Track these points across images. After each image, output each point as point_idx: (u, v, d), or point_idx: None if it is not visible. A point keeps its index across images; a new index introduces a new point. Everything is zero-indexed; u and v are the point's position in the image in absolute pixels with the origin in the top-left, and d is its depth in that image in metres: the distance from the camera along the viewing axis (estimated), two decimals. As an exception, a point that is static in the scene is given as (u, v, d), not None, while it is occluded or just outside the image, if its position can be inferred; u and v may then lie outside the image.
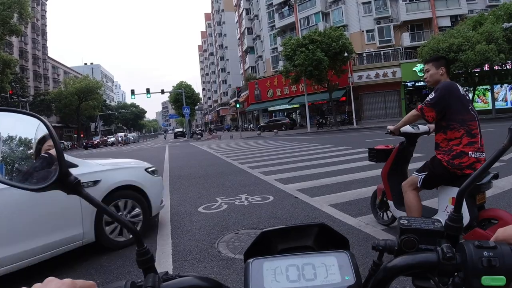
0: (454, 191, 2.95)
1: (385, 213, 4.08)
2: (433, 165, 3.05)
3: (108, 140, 51.28)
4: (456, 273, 0.56)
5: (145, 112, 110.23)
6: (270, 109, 45.61)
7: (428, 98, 3.02)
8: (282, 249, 0.74)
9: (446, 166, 2.93)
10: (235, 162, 11.76)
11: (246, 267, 0.63)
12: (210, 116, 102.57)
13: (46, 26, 66.67)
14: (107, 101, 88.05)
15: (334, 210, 4.92)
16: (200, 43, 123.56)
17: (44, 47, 64.37)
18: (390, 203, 3.69)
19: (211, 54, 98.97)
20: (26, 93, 45.86)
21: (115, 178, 4.19)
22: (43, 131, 0.67)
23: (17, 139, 0.70)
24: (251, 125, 53.90)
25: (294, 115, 44.26)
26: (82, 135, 61.67)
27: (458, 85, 3.04)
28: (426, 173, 3.08)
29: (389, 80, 33.87)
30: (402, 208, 3.43)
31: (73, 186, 0.61)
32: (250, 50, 58.32)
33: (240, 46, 65.66)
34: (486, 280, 0.51)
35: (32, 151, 0.68)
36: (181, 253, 3.81)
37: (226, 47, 77.42)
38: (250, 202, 5.82)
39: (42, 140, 0.68)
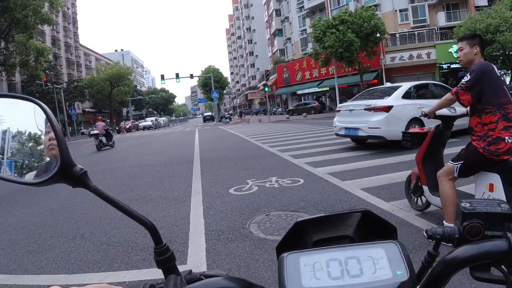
0: (491, 177, 2.87)
1: (419, 198, 3.98)
2: (468, 153, 2.94)
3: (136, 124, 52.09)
4: None
5: (175, 96, 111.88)
6: (299, 92, 45.14)
7: (463, 80, 2.89)
8: (317, 240, 0.66)
9: (482, 153, 2.82)
10: (265, 145, 11.79)
11: (280, 263, 0.56)
12: (238, 100, 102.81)
13: (76, 14, 68.51)
14: (138, 87, 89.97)
15: (366, 194, 4.86)
16: (228, 27, 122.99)
17: (76, 34, 66.26)
18: (425, 188, 3.60)
19: (239, 37, 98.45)
20: (60, 80, 47.56)
21: None
22: (41, 117, 0.59)
23: (13, 128, 0.61)
24: (280, 109, 53.63)
25: (323, 99, 43.62)
26: (114, 120, 63.58)
27: (493, 66, 2.91)
28: (462, 161, 2.97)
29: (424, 62, 32.58)
30: (437, 194, 3.33)
31: (79, 178, 0.55)
32: (279, 32, 57.50)
33: (268, 29, 64.87)
34: None
35: (32, 143, 0.61)
36: (213, 233, 3.91)
37: (254, 30, 76.70)
38: (280, 184, 5.84)
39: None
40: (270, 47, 64.57)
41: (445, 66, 32.31)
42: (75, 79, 55.93)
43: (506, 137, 2.73)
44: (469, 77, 2.84)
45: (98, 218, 4.85)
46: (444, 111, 3.34)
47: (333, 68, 32.00)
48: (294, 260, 0.55)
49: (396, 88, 8.46)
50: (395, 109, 7.85)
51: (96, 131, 17.69)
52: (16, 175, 0.60)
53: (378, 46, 30.10)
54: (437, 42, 32.45)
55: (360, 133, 8.27)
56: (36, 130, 0.61)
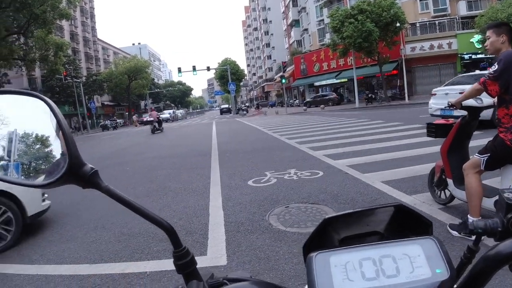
0: None
1: (443, 191, 3.86)
2: (495, 145, 2.84)
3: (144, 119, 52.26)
4: None
5: (192, 89, 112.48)
6: (317, 84, 44.62)
7: (490, 70, 2.79)
8: (345, 238, 0.61)
9: (509, 146, 2.74)
10: (282, 138, 11.72)
11: (308, 263, 0.51)
12: (255, 92, 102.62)
13: (93, 9, 69.36)
14: (155, 80, 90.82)
15: (387, 187, 4.76)
16: (244, 18, 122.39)
17: (93, 29, 67.21)
18: (450, 181, 3.49)
19: (255, 29, 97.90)
20: (79, 74, 48.38)
21: None
22: (47, 112, 0.55)
23: (20, 129, 0.58)
24: (297, 101, 53.25)
25: (341, 90, 42.99)
26: (133, 113, 64.50)
27: None
28: (489, 154, 2.87)
29: (444, 52, 31.67)
30: (461, 187, 3.23)
31: (89, 179, 0.51)
32: (295, 23, 56.83)
33: (284, 20, 64.21)
34: None
35: (39, 144, 0.57)
36: (233, 224, 3.90)
37: (270, 21, 76.06)
38: (299, 177, 5.78)
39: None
40: (287, 38, 63.93)
41: (466, 57, 31.32)
42: (93, 73, 56.83)
43: None
44: (496, 66, 2.74)
45: (118, 209, 4.89)
46: (471, 102, 3.23)
47: (351, 59, 31.41)
48: (324, 260, 0.51)
49: None
50: None
51: (151, 119, 23.54)
52: (23, 177, 0.57)
53: (398, 36, 29.36)
54: (458, 32, 31.47)
55: (455, 113, 8.42)
56: (43, 128, 0.57)
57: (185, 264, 0.54)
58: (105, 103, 63.89)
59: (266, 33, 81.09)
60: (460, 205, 3.70)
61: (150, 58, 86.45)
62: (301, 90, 52.00)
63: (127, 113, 65.76)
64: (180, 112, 57.86)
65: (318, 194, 4.70)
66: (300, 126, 16.31)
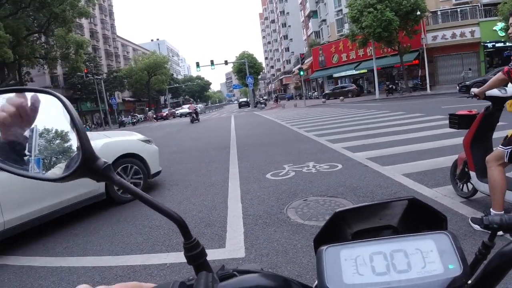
0: None
1: (465, 184, 3.76)
2: None
3: (176, 112, 53.33)
4: None
5: (210, 83, 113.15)
6: (336, 75, 44.02)
7: None
8: (357, 232, 0.60)
9: None
10: (301, 130, 11.66)
11: (318, 257, 0.51)
12: (273, 85, 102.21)
13: (112, 6, 70.39)
14: (174, 75, 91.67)
15: (407, 180, 4.67)
16: (261, 11, 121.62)
17: (112, 26, 68.30)
18: (472, 174, 3.38)
19: (273, 21, 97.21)
20: (99, 71, 49.39)
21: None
22: (60, 109, 0.56)
23: (40, 125, 0.59)
24: (316, 93, 52.74)
25: (361, 81, 42.27)
26: (153, 107, 65.43)
27: None
28: None
29: (467, 41, 30.60)
30: (485, 180, 3.11)
31: (102, 172, 0.52)
32: (313, 14, 56.09)
33: (302, 11, 63.46)
34: None
35: (59, 140, 0.57)
36: (251, 217, 3.92)
37: (287, 13, 75.34)
38: (318, 170, 5.75)
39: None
40: (304, 29, 63.22)
41: (489, 45, 30.18)
42: (114, 70, 57.86)
43: None
44: None
45: (140, 202, 5.01)
46: (495, 92, 3.11)
47: (371, 49, 30.79)
48: (335, 253, 0.50)
49: None
50: None
51: (190, 111, 31.45)
52: (43, 172, 0.58)
53: (419, 25, 28.50)
54: (481, 19, 30.31)
55: None
56: (59, 124, 0.58)
57: (195, 255, 0.54)
58: (126, 99, 65.04)
59: (284, 25, 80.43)
60: (483, 199, 3.60)
61: (168, 54, 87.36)
62: (320, 82, 51.43)
63: (147, 108, 66.77)
64: (199, 106, 58.20)
65: (337, 187, 4.66)
66: (318, 118, 16.18)
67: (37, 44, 32.20)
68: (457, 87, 22.06)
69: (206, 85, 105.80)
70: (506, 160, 2.81)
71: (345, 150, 7.09)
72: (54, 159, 0.59)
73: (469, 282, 0.48)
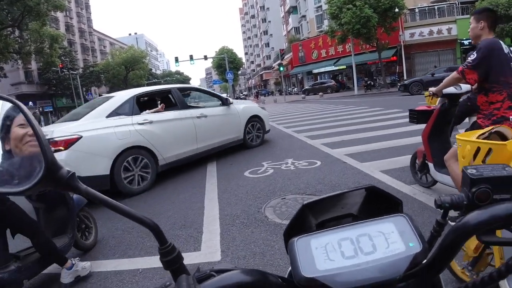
0: None
1: (425, 175, 3.98)
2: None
3: None
4: None
5: (190, 79, 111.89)
6: (315, 71, 44.27)
7: (469, 59, 2.81)
8: (321, 222, 0.64)
9: None
10: (280, 127, 11.61)
11: (290, 248, 0.54)
12: (253, 80, 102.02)
13: (88, -1, 68.47)
14: (153, 70, 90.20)
15: (386, 176, 4.66)
16: (241, 6, 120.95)
17: (89, 20, 66.41)
18: (431, 165, 3.56)
19: (253, 16, 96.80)
20: (75, 66, 47.95)
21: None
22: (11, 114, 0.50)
23: None
24: (295, 89, 52.92)
25: (340, 77, 42.68)
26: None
27: (501, 43, 2.82)
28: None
29: (444, 38, 31.32)
30: (442, 171, 3.32)
31: (67, 181, 0.49)
32: (293, 10, 56.14)
33: (282, 6, 63.42)
34: None
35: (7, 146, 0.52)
36: (228, 217, 3.82)
37: (267, 8, 75.10)
38: (296, 167, 5.69)
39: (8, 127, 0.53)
40: (284, 25, 63.25)
41: (466, 42, 30.86)
42: (90, 65, 56.35)
43: (511, 117, 2.67)
44: (475, 55, 2.76)
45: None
46: (451, 89, 3.28)
47: (350, 46, 31.08)
48: (305, 243, 0.54)
49: None
50: None
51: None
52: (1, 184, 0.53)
53: (397, 22, 28.96)
54: (458, 17, 31.03)
55: None
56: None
57: (171, 260, 0.54)
58: (103, 94, 63.48)
59: (264, 20, 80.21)
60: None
61: (147, 48, 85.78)
62: (300, 77, 51.62)
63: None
64: None
65: (316, 185, 4.61)
66: (298, 114, 16.19)
67: (11, 38, 30.93)
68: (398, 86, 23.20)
69: (185, 80, 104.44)
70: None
71: (324, 147, 7.06)
72: (13, 170, 0.55)
73: (428, 257, 0.52)
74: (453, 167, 2.94)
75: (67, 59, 44.20)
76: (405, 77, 28.89)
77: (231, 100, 7.42)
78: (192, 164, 7.02)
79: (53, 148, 3.63)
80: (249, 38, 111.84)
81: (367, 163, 5.40)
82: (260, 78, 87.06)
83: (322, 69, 42.44)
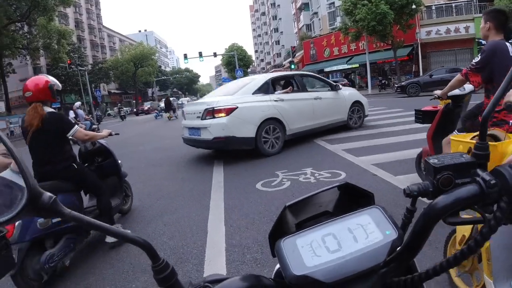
0: None
1: None
2: (472, 126, 2.93)
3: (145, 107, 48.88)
4: (500, 198, 0.53)
5: (199, 76, 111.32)
6: (327, 69, 43.05)
7: (473, 61, 2.89)
8: (300, 222, 0.66)
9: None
10: (293, 128, 10.72)
11: (278, 250, 0.55)
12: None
13: (98, -5, 68.16)
14: (162, 67, 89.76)
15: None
16: (251, 3, 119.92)
17: (99, 16, 66.05)
18: None
19: (263, 14, 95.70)
20: (84, 62, 47.45)
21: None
22: None
23: None
24: (306, 88, 51.83)
25: (352, 76, 41.51)
26: (140, 100, 63.67)
27: (508, 45, 2.81)
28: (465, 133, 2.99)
29: (461, 37, 29.97)
30: None
31: (50, 207, 0.46)
32: (305, 7, 54.97)
33: (293, 3, 62.25)
34: None
35: None
36: (236, 250, 3.01)
37: (278, 5, 74.00)
38: (317, 179, 4.85)
39: None
40: (295, 22, 62.08)
41: (484, 42, 29.60)
42: (99, 61, 55.97)
43: (511, 121, 2.65)
44: (479, 57, 2.82)
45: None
46: (456, 92, 3.38)
47: (363, 44, 29.96)
48: (291, 243, 0.56)
49: None
50: None
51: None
52: None
53: (414, 19, 27.75)
54: (476, 15, 29.64)
55: None
56: None
57: (166, 277, 0.54)
58: (112, 91, 63.21)
59: (274, 17, 79.13)
60: None
61: (156, 45, 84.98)
62: (311, 76, 50.52)
63: (134, 101, 65.00)
64: (182, 100, 52.87)
65: (344, 205, 3.77)
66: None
67: (20, 34, 30.58)
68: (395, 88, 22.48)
69: (194, 77, 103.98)
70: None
71: (347, 154, 6.18)
72: None
73: (403, 242, 0.56)
74: (447, 151, 2.96)
75: (75, 55, 43.77)
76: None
77: (340, 86, 8.67)
78: (196, 169, 6.26)
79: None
80: (259, 35, 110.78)
81: (402, 177, 4.54)
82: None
83: (334, 68, 41.22)
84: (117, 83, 60.29)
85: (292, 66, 35.58)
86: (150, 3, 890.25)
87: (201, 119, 6.61)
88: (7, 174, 0.47)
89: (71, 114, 16.60)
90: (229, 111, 6.41)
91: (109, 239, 3.33)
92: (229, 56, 51.50)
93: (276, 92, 7.42)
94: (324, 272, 0.51)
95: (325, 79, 9.35)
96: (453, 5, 31.90)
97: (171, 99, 29.02)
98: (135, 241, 0.53)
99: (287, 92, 7.53)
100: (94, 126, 4.61)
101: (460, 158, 0.59)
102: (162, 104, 29.27)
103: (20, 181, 0.44)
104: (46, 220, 2.68)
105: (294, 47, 43.25)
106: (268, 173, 5.46)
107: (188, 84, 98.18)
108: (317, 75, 9.58)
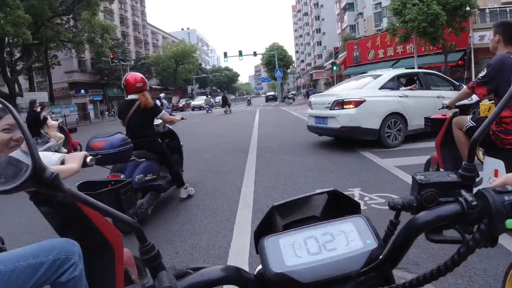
0: (497, 164, 2.97)
1: None
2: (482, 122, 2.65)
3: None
4: (481, 220, 0.54)
5: (238, 75, 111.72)
6: (370, 73, 41.40)
7: (479, 75, 2.98)
8: (287, 223, 0.68)
9: (490, 134, 2.93)
10: (334, 135, 9.82)
11: (261, 247, 0.58)
12: (302, 80, 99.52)
13: (143, -8, 69.74)
14: (203, 65, 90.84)
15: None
16: (294, 3, 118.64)
17: (143, 13, 67.58)
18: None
19: (306, 14, 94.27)
20: (127, 57, 48.52)
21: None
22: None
23: None
24: (347, 91, 50.06)
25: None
26: (180, 96, 64.45)
27: None
28: (475, 125, 3.12)
29: (516, 43, 27.40)
30: None
31: (51, 182, 0.49)
32: (349, 7, 53.22)
33: (337, 3, 60.55)
34: (510, 223, 0.52)
35: None
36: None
37: (322, 5, 72.39)
38: (368, 204, 3.95)
39: None
40: (339, 23, 60.31)
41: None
42: (142, 57, 57.23)
43: None
44: (485, 71, 2.92)
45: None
46: (463, 102, 3.56)
47: (411, 46, 28.20)
48: (275, 242, 0.58)
49: None
50: None
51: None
52: None
53: (467, 22, 25.60)
54: (531, 21, 27.05)
55: None
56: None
57: (151, 258, 0.56)
58: (153, 86, 64.52)
59: (317, 18, 77.59)
60: None
61: (198, 43, 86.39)
62: (352, 79, 48.82)
63: (174, 96, 65.96)
64: (218, 98, 52.57)
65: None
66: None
67: (64, 27, 31.61)
68: None
69: (234, 76, 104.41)
70: (464, 130, 3.27)
71: (401, 172, 5.21)
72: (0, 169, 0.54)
73: (383, 253, 0.58)
74: (457, 132, 3.37)
75: (119, 50, 44.86)
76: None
77: (463, 86, 8.64)
78: (222, 182, 5.57)
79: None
80: (300, 36, 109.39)
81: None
82: (310, 78, 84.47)
83: (379, 71, 39.51)
84: (158, 78, 61.43)
85: (334, 68, 34.29)
86: (193, 1, 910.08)
87: (330, 109, 7.29)
88: (17, 154, 0.53)
89: (157, 102, 16.95)
90: (357, 103, 6.96)
91: (183, 194, 4.59)
92: (269, 55, 50.84)
93: (401, 89, 7.62)
94: (302, 272, 0.53)
95: (449, 78, 9.10)
96: (508, 9, 29.49)
97: (208, 96, 33.91)
98: (126, 222, 0.54)
99: (411, 89, 7.67)
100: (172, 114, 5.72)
101: (446, 177, 0.60)
102: (217, 100, 35.25)
103: (28, 160, 0.49)
104: (141, 177, 3.80)
105: (337, 48, 41.74)
106: (306, 188, 4.65)
107: (227, 83, 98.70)
108: (441, 74, 9.39)
